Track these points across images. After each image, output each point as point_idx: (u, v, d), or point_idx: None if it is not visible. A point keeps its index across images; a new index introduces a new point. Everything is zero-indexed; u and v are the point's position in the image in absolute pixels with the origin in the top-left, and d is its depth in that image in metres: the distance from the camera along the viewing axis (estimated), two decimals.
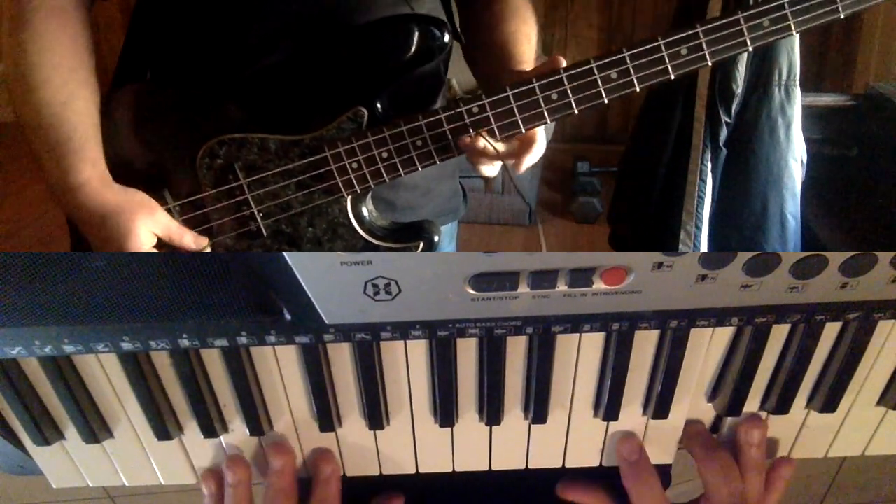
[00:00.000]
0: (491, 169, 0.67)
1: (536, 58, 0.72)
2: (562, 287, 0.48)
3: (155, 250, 0.64)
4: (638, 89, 0.62)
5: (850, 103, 1.52)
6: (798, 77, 1.21)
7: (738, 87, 1.21)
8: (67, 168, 0.62)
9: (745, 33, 0.61)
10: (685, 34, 0.61)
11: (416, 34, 0.63)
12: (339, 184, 0.65)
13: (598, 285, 0.48)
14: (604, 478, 0.62)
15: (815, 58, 2.43)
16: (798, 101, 1.22)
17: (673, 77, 0.62)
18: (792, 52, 1.20)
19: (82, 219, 0.64)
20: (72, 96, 0.63)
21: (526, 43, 0.73)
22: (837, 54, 2.46)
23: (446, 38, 0.64)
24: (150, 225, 0.63)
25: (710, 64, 0.62)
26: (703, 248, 1.29)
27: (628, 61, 0.62)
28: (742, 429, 0.59)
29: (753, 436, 0.58)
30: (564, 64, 0.62)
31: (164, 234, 0.64)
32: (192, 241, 0.66)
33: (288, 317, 0.49)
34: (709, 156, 1.26)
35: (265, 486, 0.58)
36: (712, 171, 1.26)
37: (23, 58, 0.62)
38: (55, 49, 0.63)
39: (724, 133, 1.24)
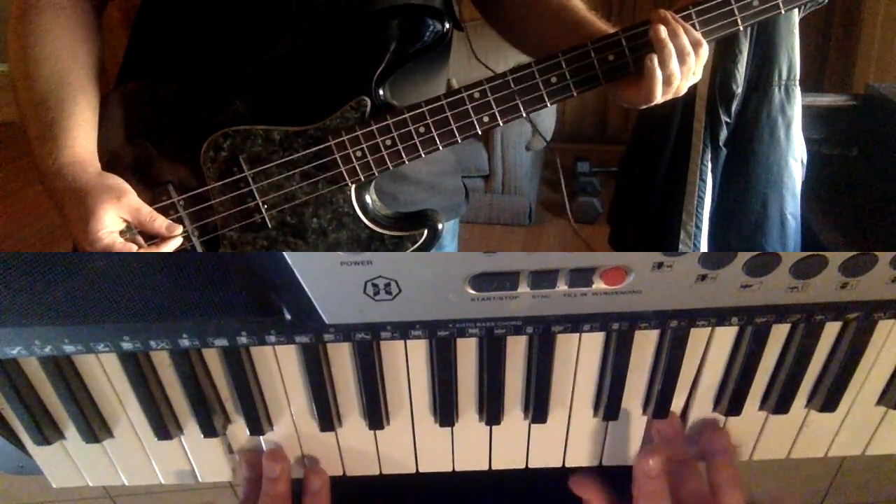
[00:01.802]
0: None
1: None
2: (562, 287, 0.48)
3: (117, 236, 0.62)
4: (633, 70, 0.63)
5: (850, 103, 1.52)
6: (798, 77, 1.21)
7: (738, 87, 1.21)
8: (49, 153, 0.63)
9: (736, 13, 0.62)
10: (679, 15, 0.62)
11: (417, 23, 0.64)
12: (344, 172, 0.66)
13: (598, 285, 0.48)
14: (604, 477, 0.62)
15: (815, 58, 2.43)
16: (798, 101, 1.22)
17: None
18: (792, 52, 1.20)
19: (60, 202, 0.63)
20: (58, 85, 0.64)
21: (595, 19, 0.71)
22: (837, 54, 2.46)
23: (446, 26, 0.65)
24: (115, 209, 0.62)
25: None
26: (703, 248, 1.29)
27: (624, 43, 0.63)
28: (706, 437, 0.58)
29: (717, 445, 0.58)
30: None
31: (132, 218, 0.63)
32: (163, 226, 0.65)
33: (288, 317, 0.49)
34: (709, 156, 1.26)
35: (261, 492, 0.58)
36: (712, 171, 1.26)
37: (20, 47, 0.65)
38: (47, 40, 0.65)
39: (724, 133, 1.24)
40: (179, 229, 0.66)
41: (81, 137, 0.64)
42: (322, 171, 0.66)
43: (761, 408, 0.59)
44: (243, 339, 0.51)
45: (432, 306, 0.49)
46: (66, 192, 0.62)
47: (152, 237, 0.65)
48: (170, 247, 0.65)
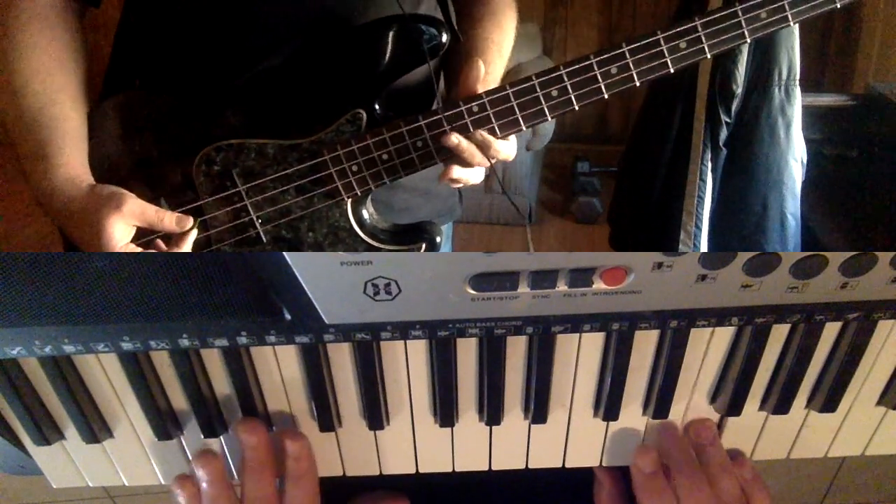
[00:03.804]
0: (472, 173, 0.66)
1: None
2: (562, 287, 0.48)
3: (133, 246, 0.61)
4: (638, 83, 0.62)
5: (850, 103, 1.52)
6: (798, 77, 1.21)
7: (738, 87, 1.21)
8: (44, 172, 0.61)
9: (743, 25, 0.61)
10: (684, 27, 0.61)
11: (414, 34, 0.63)
12: (339, 187, 0.65)
13: (598, 285, 0.48)
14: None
15: (815, 58, 2.43)
16: (798, 101, 1.22)
17: (672, 70, 0.62)
18: (792, 51, 1.20)
19: (64, 223, 0.62)
20: (49, 101, 0.62)
21: (494, 51, 0.72)
22: (837, 54, 2.46)
23: (444, 37, 0.63)
24: (120, 219, 0.60)
25: (709, 56, 0.62)
26: (703, 248, 1.29)
27: (628, 56, 0.62)
28: (691, 429, 0.59)
29: (704, 435, 0.58)
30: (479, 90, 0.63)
31: (140, 221, 0.61)
32: (173, 222, 0.63)
33: (288, 317, 0.49)
34: (709, 156, 1.26)
35: (242, 461, 0.57)
36: (712, 171, 1.26)
37: (4, 64, 0.62)
38: (34, 55, 0.62)
39: (724, 133, 1.24)
40: (190, 221, 0.64)
41: (75, 155, 0.63)
42: (317, 186, 0.65)
43: (761, 408, 0.59)
44: (243, 339, 0.51)
45: (432, 306, 0.49)
46: (65, 212, 0.61)
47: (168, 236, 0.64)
48: (187, 243, 0.63)
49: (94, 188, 0.62)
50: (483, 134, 0.62)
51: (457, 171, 0.65)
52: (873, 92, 1.51)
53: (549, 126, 2.50)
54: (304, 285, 0.47)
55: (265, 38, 0.66)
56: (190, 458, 0.61)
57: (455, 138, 0.62)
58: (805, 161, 1.27)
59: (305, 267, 0.46)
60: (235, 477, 0.61)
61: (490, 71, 0.70)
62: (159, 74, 0.70)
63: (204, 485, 0.56)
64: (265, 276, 0.47)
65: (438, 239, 0.69)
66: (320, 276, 0.47)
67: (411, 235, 0.69)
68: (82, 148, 0.64)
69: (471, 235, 2.51)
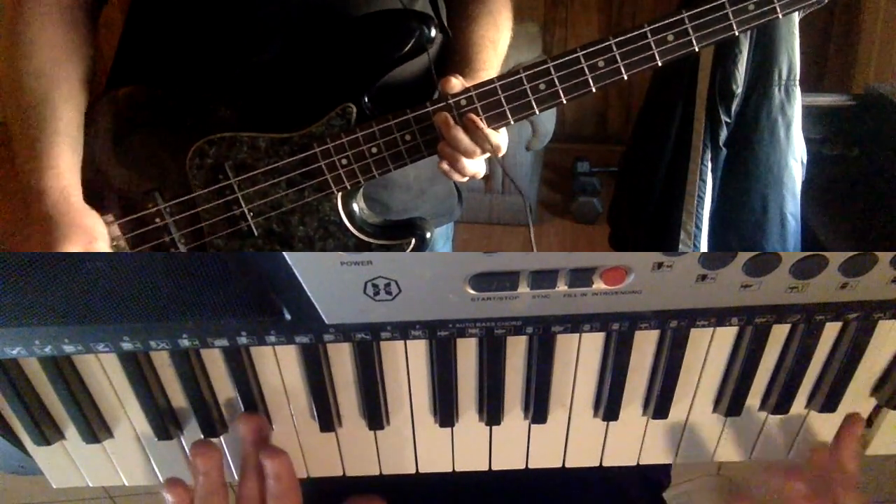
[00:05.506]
0: (474, 165, 0.66)
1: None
2: (562, 287, 0.48)
3: None
4: (626, 77, 0.62)
5: (850, 103, 1.52)
6: (798, 77, 1.21)
7: (738, 87, 1.21)
8: (31, 171, 0.62)
9: (731, 17, 0.61)
10: (671, 20, 0.61)
11: (403, 29, 0.63)
12: (329, 180, 0.65)
13: (598, 285, 0.48)
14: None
15: (815, 58, 2.43)
16: (798, 101, 1.22)
17: (660, 63, 0.62)
18: (792, 52, 1.20)
19: (37, 226, 0.62)
20: (43, 100, 0.63)
21: (490, 49, 0.72)
22: (837, 54, 2.46)
23: (433, 32, 0.64)
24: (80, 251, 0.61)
25: (697, 49, 0.62)
26: (703, 248, 1.29)
27: (615, 49, 0.61)
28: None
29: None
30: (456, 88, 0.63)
31: None
32: None
33: (288, 317, 0.49)
34: (709, 156, 1.25)
35: (241, 455, 0.57)
36: (712, 171, 1.26)
37: (7, 61, 0.63)
38: (35, 53, 0.63)
39: (724, 133, 1.24)
40: None
41: (64, 157, 0.63)
42: (308, 179, 0.66)
43: (761, 408, 0.59)
44: (243, 339, 0.51)
45: (432, 306, 0.49)
46: (42, 216, 0.61)
47: None
48: None
49: (80, 211, 0.63)
50: (472, 117, 0.63)
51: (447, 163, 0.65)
52: (873, 92, 1.51)
53: (549, 126, 2.50)
54: (304, 285, 0.47)
55: (258, 33, 0.66)
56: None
57: (443, 116, 0.62)
58: (805, 161, 1.27)
59: (305, 267, 0.46)
60: (235, 476, 0.61)
61: (486, 68, 0.70)
62: (156, 69, 0.70)
63: (200, 477, 0.55)
64: (265, 276, 0.47)
65: (428, 235, 0.69)
66: (320, 275, 0.47)
67: (401, 231, 0.69)
68: (74, 148, 0.64)
69: (471, 235, 2.50)
